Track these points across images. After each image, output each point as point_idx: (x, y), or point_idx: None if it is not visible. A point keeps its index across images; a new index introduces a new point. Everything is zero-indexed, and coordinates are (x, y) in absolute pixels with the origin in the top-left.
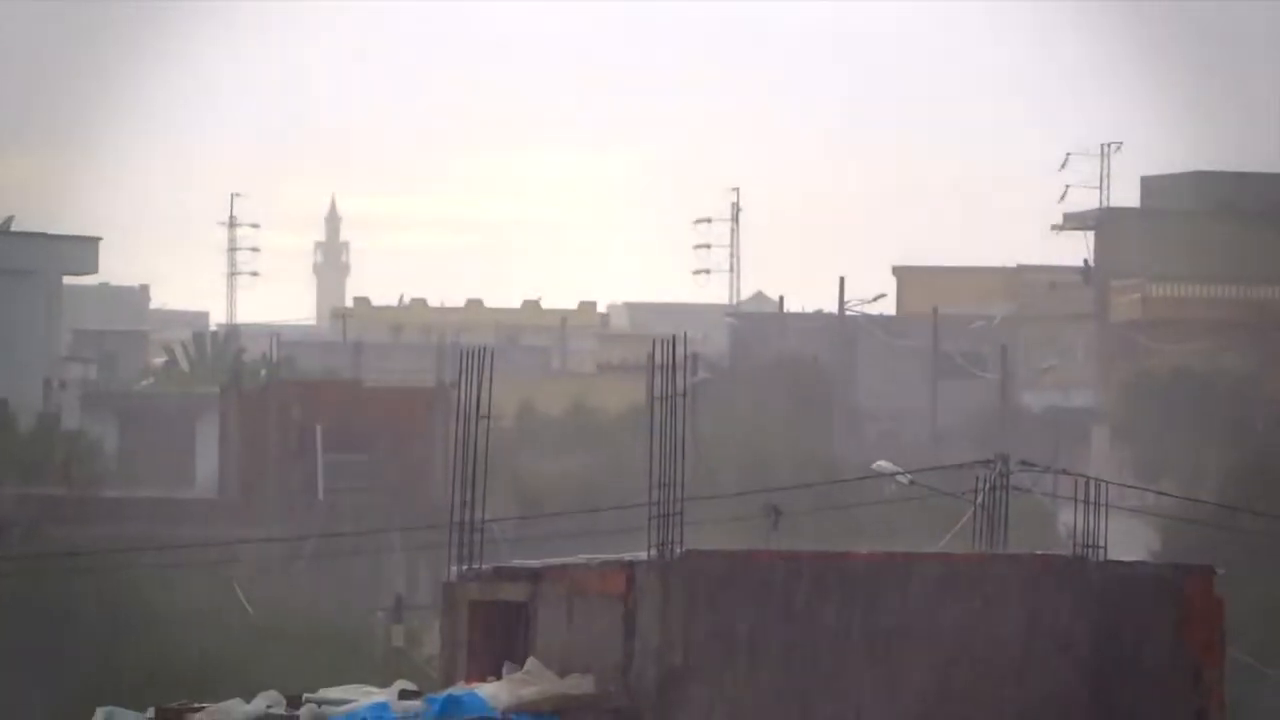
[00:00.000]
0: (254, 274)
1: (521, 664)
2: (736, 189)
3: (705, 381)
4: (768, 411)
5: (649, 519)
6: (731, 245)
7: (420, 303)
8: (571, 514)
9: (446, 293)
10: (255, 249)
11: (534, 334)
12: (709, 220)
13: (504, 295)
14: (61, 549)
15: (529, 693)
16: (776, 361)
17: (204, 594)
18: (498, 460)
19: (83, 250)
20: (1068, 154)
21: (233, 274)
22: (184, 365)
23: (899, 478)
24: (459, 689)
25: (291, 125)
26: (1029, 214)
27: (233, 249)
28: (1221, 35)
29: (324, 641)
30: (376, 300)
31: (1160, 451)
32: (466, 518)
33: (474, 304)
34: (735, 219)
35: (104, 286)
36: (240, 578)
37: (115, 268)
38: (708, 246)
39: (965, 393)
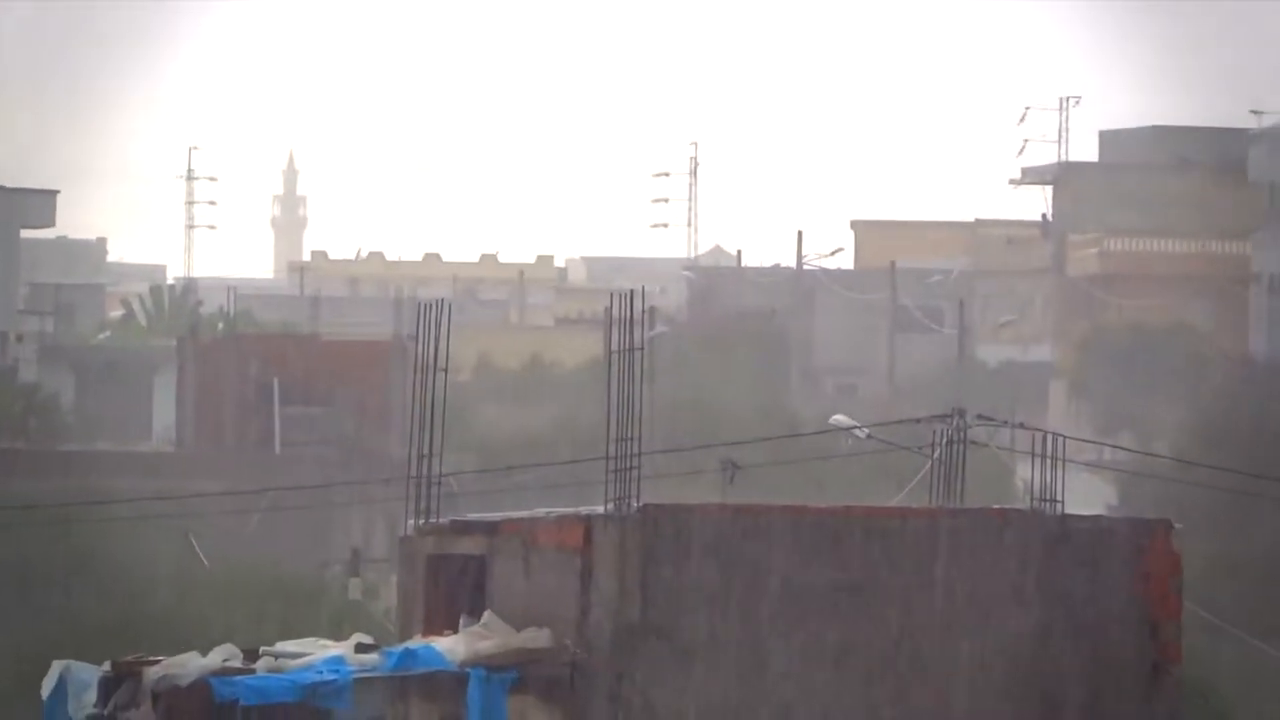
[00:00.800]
0: (211, 227)
1: (478, 617)
2: (695, 143)
3: (663, 335)
4: (725, 365)
5: (606, 473)
6: (689, 199)
7: (378, 256)
8: (529, 468)
9: (404, 246)
10: (213, 202)
11: (492, 287)
12: (667, 174)
13: (462, 249)
14: (19, 502)
15: (486, 646)
16: (734, 315)
17: (161, 547)
18: (455, 414)
19: (40, 203)
20: (1026, 108)
21: (190, 227)
22: (141, 318)
23: (856, 432)
24: (416, 642)
25: (251, 79)
26: (987, 168)
27: (190, 202)
28: None
29: (281, 595)
30: (334, 254)
31: (1118, 406)
32: (424, 471)
33: (431, 257)
34: (693, 173)
35: (61, 240)
36: (197, 531)
37: (73, 221)
38: (665, 201)
39: (923, 347)
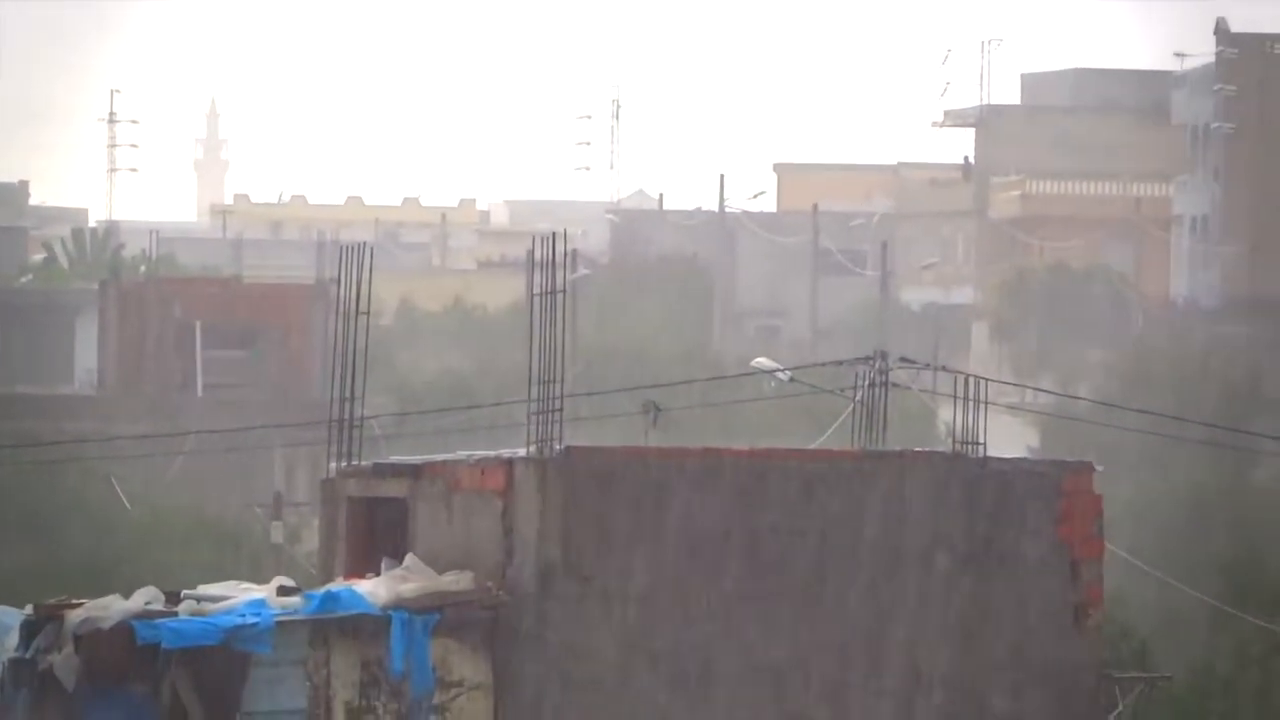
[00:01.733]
0: (134, 170)
1: (400, 560)
2: (617, 86)
3: (585, 278)
4: (648, 308)
5: (528, 415)
6: (612, 142)
7: (300, 199)
8: (451, 411)
9: (326, 189)
10: (135, 146)
11: (414, 231)
12: (589, 117)
13: (384, 192)
14: None
15: (407, 589)
16: (657, 258)
17: (83, 490)
18: (377, 357)
19: None
20: (948, 51)
21: (112, 171)
22: (63, 262)
23: (778, 374)
24: (337, 585)
25: (174, 22)
26: (909, 111)
27: (112, 146)
28: None
29: (203, 538)
30: (256, 197)
31: (1039, 348)
32: (346, 414)
33: (354, 201)
34: (616, 116)
35: None
36: (119, 474)
37: None
38: (588, 144)
39: (845, 290)
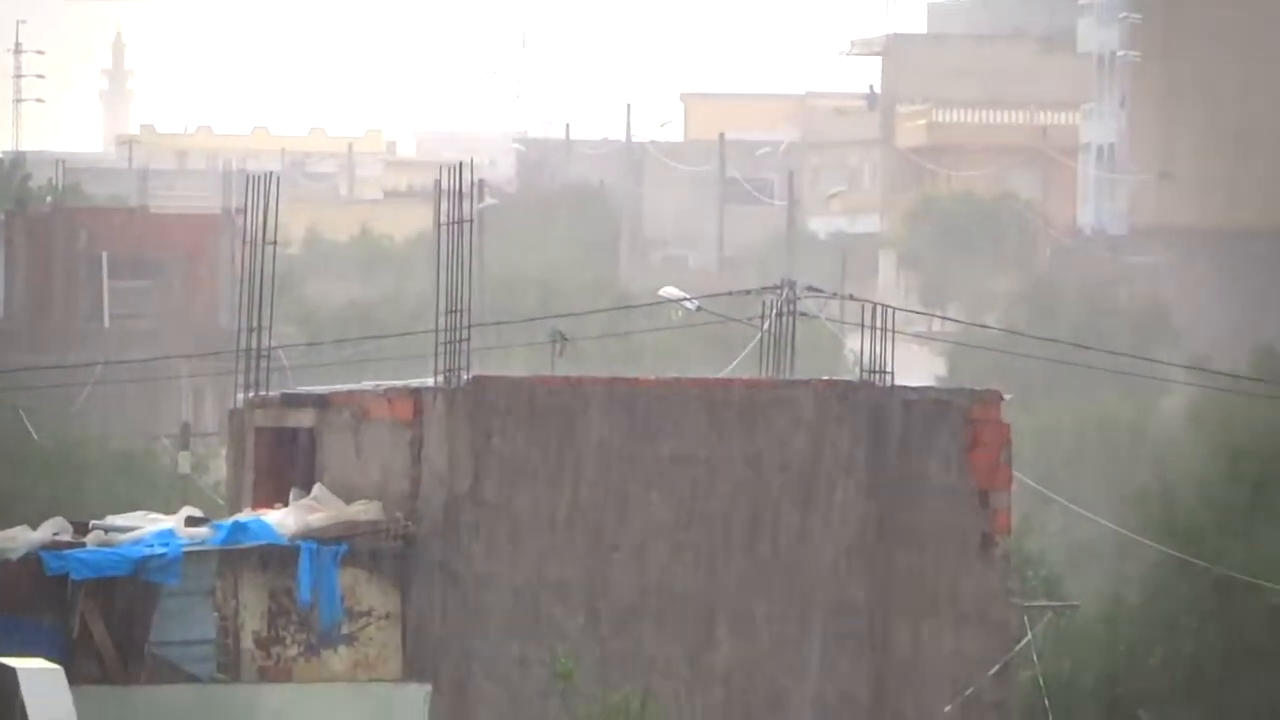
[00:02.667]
0: (39, 101)
1: (308, 490)
2: (524, 16)
3: (492, 208)
4: (555, 238)
5: (436, 345)
6: (518, 73)
7: (206, 130)
8: (358, 341)
9: (232, 119)
10: (41, 76)
11: (321, 160)
12: (496, 47)
13: (290, 122)
14: None
15: (316, 519)
16: (564, 188)
17: None
18: (284, 287)
19: None
20: None
21: (18, 101)
22: None
23: (686, 304)
24: (246, 515)
25: None
26: (816, 40)
27: (18, 76)
28: None
29: (110, 468)
30: (162, 127)
31: (946, 277)
32: (253, 344)
33: (260, 131)
34: (523, 46)
35: None
36: (26, 405)
37: None
38: (495, 73)
39: (752, 219)
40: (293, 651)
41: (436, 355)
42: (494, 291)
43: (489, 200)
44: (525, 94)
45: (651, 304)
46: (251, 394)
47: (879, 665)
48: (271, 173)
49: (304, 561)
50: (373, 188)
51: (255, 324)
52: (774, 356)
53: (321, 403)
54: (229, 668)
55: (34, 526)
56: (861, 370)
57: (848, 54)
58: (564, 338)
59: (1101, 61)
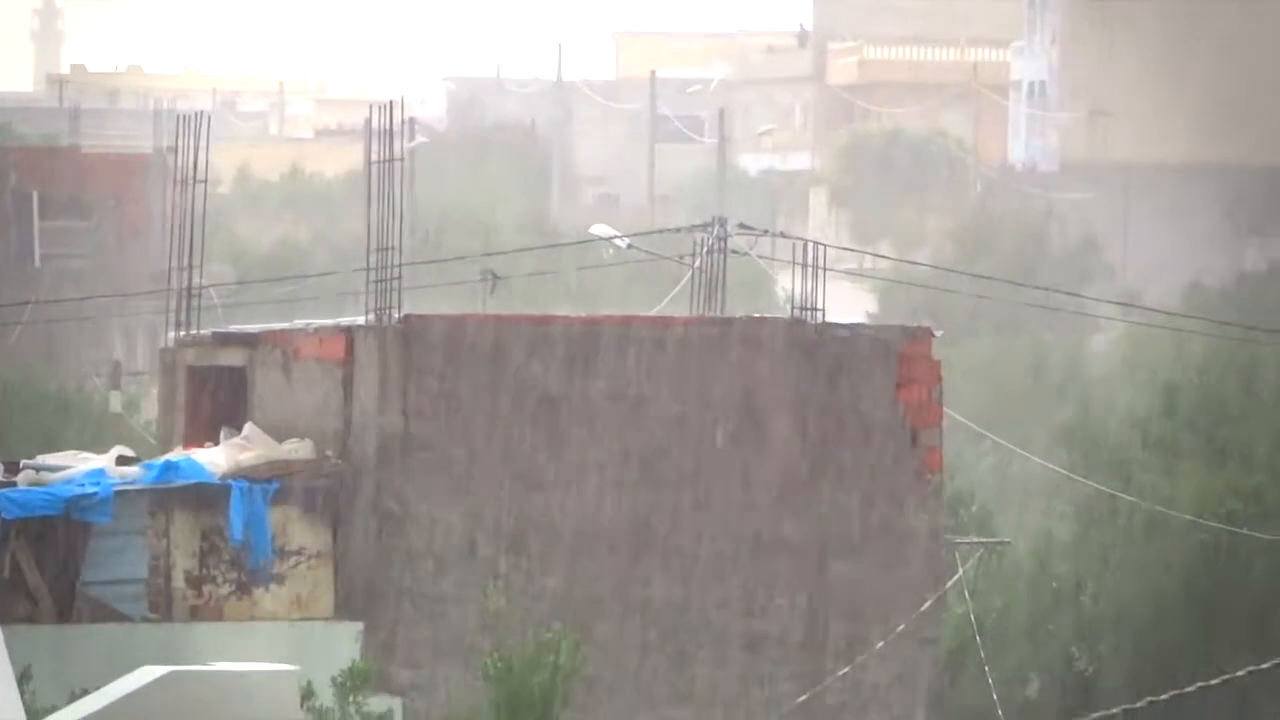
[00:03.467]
0: None
1: (239, 429)
2: None
3: (423, 146)
4: (486, 177)
5: (367, 284)
6: (447, 11)
7: (137, 69)
8: (289, 279)
9: (163, 59)
10: None
11: (251, 100)
12: None
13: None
14: None
15: (247, 458)
16: (494, 127)
17: None
18: (215, 226)
19: None
20: None
21: None
22: None
23: (617, 242)
24: (177, 454)
25: None
26: None
27: None
28: None
29: (41, 408)
30: (93, 67)
31: (877, 214)
32: (184, 283)
33: (191, 70)
34: None
35: None
36: None
37: None
38: (425, 12)
39: (683, 157)
40: (224, 590)
41: (367, 294)
42: (425, 230)
43: (419, 139)
44: (457, 33)
45: (582, 242)
46: (183, 333)
47: (812, 601)
48: (202, 112)
49: (235, 500)
50: (303, 126)
51: (186, 263)
52: (705, 294)
53: (253, 341)
54: (160, 607)
55: None
56: (793, 308)
57: None
58: (495, 276)
59: None
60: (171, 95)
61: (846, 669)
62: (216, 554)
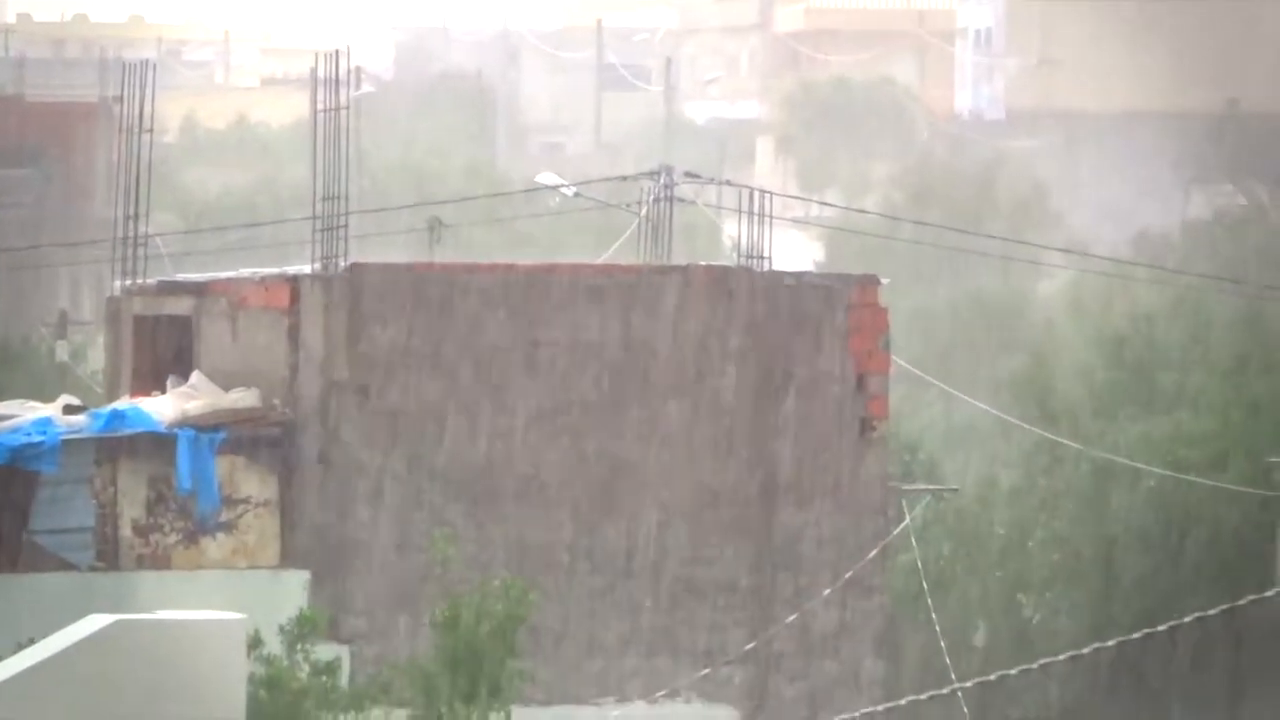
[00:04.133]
0: None
1: (186, 378)
2: None
3: (369, 95)
4: (432, 125)
5: (313, 232)
6: None
7: (82, 18)
8: (235, 228)
9: (108, 8)
10: None
11: (197, 48)
12: None
13: (166, 10)
14: None
15: (193, 407)
16: (441, 75)
17: None
18: (161, 175)
19: None
20: None
21: None
22: None
23: (564, 190)
24: (124, 403)
25: None
26: None
27: None
28: None
29: None
30: (39, 16)
31: (824, 162)
32: (130, 232)
33: (136, 19)
34: None
35: None
36: None
37: None
38: None
39: (630, 105)
40: (171, 539)
41: (314, 242)
42: (371, 179)
43: (365, 87)
44: None
45: (529, 190)
46: (129, 282)
47: (758, 549)
48: (147, 61)
49: (182, 449)
50: (249, 75)
51: (132, 212)
52: (652, 242)
53: (199, 290)
54: (107, 555)
55: None
56: (739, 256)
57: None
58: (442, 224)
59: None
60: (117, 44)
61: (794, 616)
62: (164, 503)
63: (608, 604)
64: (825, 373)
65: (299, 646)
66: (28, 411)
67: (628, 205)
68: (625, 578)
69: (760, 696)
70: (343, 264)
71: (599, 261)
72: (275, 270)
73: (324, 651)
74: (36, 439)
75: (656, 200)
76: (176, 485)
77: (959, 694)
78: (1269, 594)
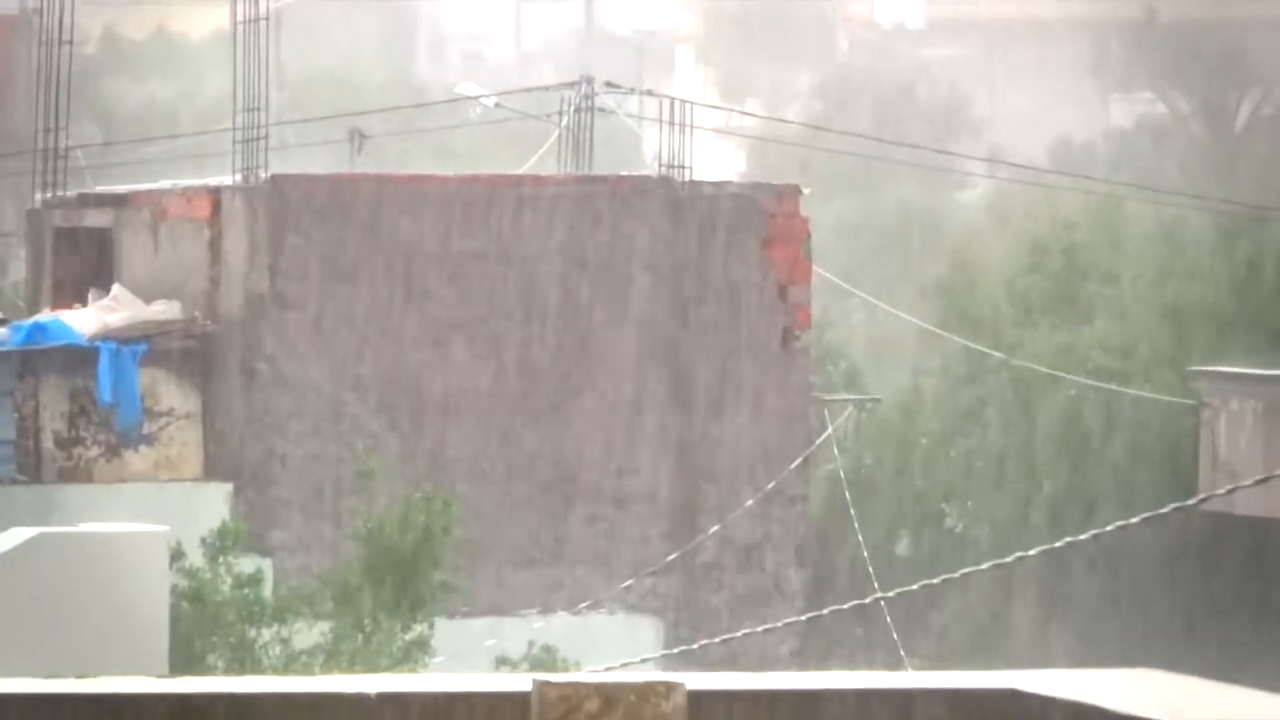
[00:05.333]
0: None
1: (107, 291)
2: None
3: (289, 5)
4: (352, 35)
5: (234, 144)
6: None
7: None
8: (157, 140)
9: None
10: None
11: None
12: None
13: None
14: None
15: (115, 319)
16: None
17: None
18: (81, 87)
19: None
20: None
21: None
22: None
23: (484, 100)
24: (45, 316)
25: None
26: None
27: None
28: None
29: None
30: None
31: (745, 72)
32: (50, 144)
33: None
34: None
35: None
36: None
37: None
38: None
39: (550, 14)
40: (94, 452)
41: (234, 154)
42: (292, 90)
43: None
44: None
45: (449, 101)
46: (49, 194)
47: (680, 459)
48: None
49: (104, 362)
50: None
51: (52, 124)
52: (573, 153)
53: (120, 202)
54: (29, 469)
55: None
56: (660, 166)
57: None
58: (362, 136)
59: None
60: None
61: (716, 527)
62: (86, 416)
63: (531, 516)
64: (746, 283)
65: (221, 559)
66: None
67: (549, 116)
68: (548, 489)
69: (683, 607)
70: (264, 175)
71: (520, 172)
72: (196, 182)
73: (246, 564)
74: None
75: (577, 111)
76: (98, 398)
77: (882, 603)
78: (1190, 502)
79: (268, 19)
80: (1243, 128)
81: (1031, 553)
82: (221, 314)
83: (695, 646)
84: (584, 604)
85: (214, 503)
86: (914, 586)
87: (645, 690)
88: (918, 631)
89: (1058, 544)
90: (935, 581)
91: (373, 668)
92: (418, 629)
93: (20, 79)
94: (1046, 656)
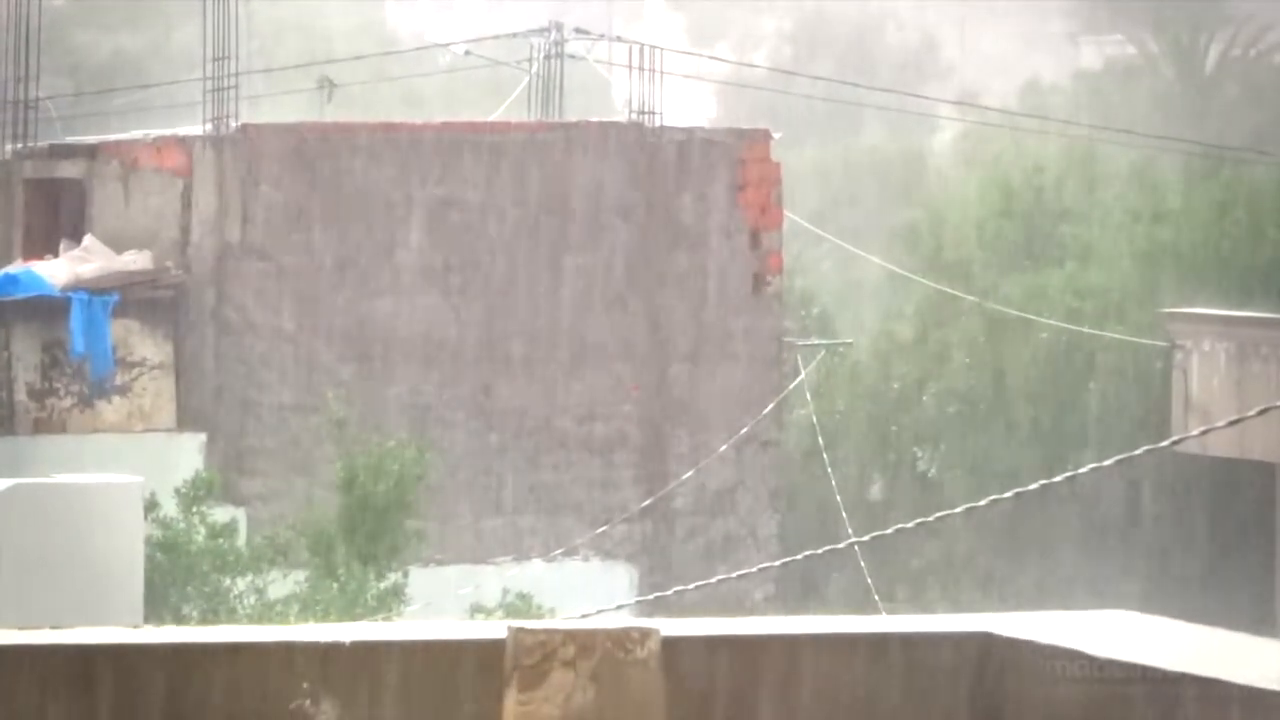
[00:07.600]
0: None
1: (78, 241)
2: None
3: None
4: None
5: (204, 93)
6: None
7: None
8: (127, 90)
9: None
10: None
11: None
12: None
13: None
14: None
15: (87, 270)
16: None
17: None
18: (51, 38)
19: None
20: None
21: None
22: None
23: (454, 47)
24: (16, 267)
25: None
26: None
27: None
28: None
29: None
30: None
31: (713, 17)
32: (20, 95)
33: None
34: None
35: None
36: None
37: None
38: None
39: None
40: (66, 403)
41: (204, 103)
42: (261, 38)
43: None
44: None
45: (418, 49)
46: (19, 145)
47: (653, 405)
48: None
49: (76, 313)
50: None
51: (22, 74)
52: (543, 100)
53: (90, 153)
54: (2, 421)
55: None
56: (631, 112)
57: None
58: (332, 84)
59: None
60: None
61: (690, 473)
62: (58, 367)
63: (504, 463)
64: (718, 228)
65: (195, 508)
66: None
67: (518, 63)
68: (520, 436)
69: (657, 553)
70: (234, 125)
71: (490, 120)
72: (167, 132)
73: (220, 514)
74: None
75: (547, 57)
76: (70, 349)
77: (856, 548)
78: (1163, 444)
79: None
80: (1213, 69)
81: (1005, 495)
82: (193, 264)
83: (670, 593)
84: (558, 551)
85: (187, 453)
86: (888, 531)
87: (620, 636)
88: (892, 575)
89: (1031, 486)
90: (909, 525)
91: (347, 616)
92: (392, 577)
93: None
94: (1020, 599)
